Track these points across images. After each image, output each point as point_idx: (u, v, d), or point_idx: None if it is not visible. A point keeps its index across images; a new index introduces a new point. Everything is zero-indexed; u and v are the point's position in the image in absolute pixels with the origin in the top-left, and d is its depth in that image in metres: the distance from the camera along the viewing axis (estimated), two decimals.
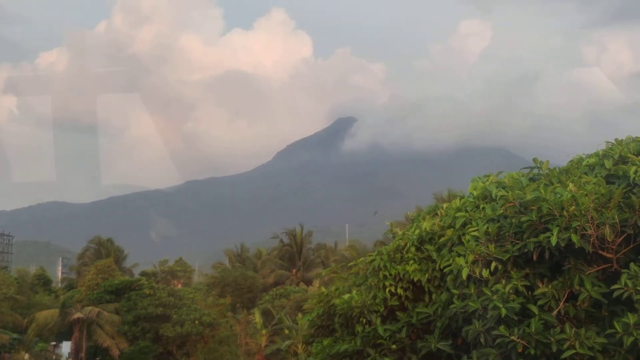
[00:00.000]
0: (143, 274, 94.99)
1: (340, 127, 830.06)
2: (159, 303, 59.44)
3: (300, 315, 64.17)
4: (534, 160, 11.67)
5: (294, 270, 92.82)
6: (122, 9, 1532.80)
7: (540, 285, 10.54)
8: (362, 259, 13.20)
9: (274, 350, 60.22)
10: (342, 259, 61.59)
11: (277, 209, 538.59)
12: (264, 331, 62.50)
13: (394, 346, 11.79)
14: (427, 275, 12.06)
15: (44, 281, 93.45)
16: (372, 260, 12.60)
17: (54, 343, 70.36)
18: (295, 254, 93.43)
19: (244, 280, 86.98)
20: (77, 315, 57.35)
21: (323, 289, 13.51)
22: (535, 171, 11.89)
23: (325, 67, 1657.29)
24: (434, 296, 12.01)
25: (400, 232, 13.99)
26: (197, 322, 58.52)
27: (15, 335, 57.29)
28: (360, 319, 12.20)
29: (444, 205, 12.99)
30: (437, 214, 13.30)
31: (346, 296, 12.50)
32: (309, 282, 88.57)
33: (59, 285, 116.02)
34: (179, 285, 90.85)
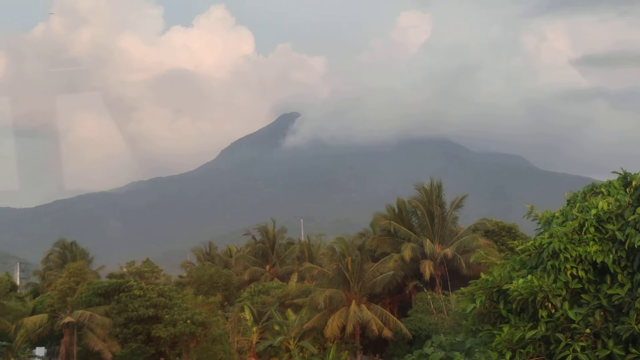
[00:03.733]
0: (111, 276, 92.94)
1: (284, 123, 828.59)
2: (149, 304, 58.07)
3: (289, 311, 63.34)
4: None
5: (267, 267, 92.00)
6: (59, 11, 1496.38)
7: None
8: (530, 242, 12.66)
9: (266, 347, 59.44)
10: (332, 252, 61.15)
11: (224, 207, 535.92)
12: (254, 328, 61.66)
13: (587, 330, 11.34)
14: (611, 255, 11.64)
15: (10, 287, 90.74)
16: (549, 243, 12.08)
17: (28, 349, 68.34)
18: (268, 250, 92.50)
19: (219, 278, 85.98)
20: (68, 319, 55.76)
21: (483, 275, 12.93)
22: None
23: (266, 63, 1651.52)
24: (619, 277, 11.61)
25: (547, 214, 13.59)
26: (189, 321, 57.39)
27: (4, 342, 55.41)
28: (545, 304, 11.71)
29: (628, 182, 12.50)
30: (601, 192, 12.90)
31: (520, 281, 11.98)
32: (282, 278, 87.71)
33: (19, 291, 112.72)
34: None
